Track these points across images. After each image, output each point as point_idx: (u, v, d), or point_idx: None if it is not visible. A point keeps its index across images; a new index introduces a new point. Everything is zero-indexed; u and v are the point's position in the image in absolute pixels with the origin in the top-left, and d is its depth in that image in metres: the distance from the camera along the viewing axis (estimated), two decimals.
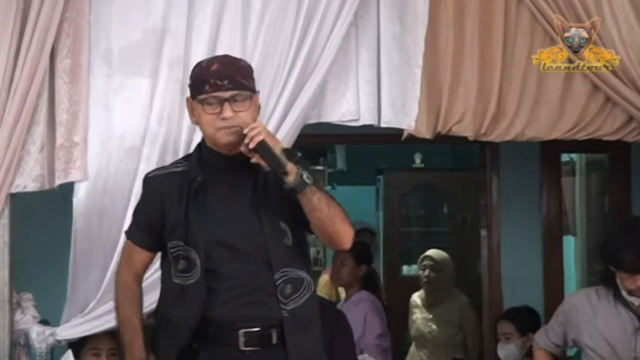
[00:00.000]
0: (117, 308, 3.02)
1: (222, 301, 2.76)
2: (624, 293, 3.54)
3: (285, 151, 2.78)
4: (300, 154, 2.81)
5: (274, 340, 2.75)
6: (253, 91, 2.84)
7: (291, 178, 2.70)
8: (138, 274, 2.99)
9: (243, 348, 2.75)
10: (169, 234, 2.84)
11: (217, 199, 2.80)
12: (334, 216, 2.73)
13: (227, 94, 2.77)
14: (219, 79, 2.77)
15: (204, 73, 2.82)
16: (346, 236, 2.79)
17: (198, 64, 2.91)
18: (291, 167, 2.71)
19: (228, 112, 2.76)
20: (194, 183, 2.81)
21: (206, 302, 2.76)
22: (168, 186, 2.87)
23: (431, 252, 5.83)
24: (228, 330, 2.75)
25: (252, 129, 2.72)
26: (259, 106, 2.92)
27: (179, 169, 2.90)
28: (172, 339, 2.82)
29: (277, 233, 2.78)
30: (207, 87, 2.78)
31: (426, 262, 5.74)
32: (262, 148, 2.71)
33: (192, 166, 2.87)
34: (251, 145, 2.71)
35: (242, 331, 2.74)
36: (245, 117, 2.78)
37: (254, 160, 2.73)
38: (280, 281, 2.76)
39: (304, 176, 2.70)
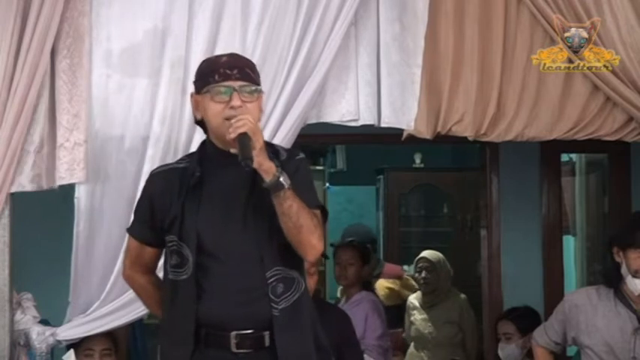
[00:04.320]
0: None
1: (212, 300, 2.74)
2: (629, 280, 3.52)
3: (270, 151, 2.78)
4: (278, 164, 2.76)
5: (267, 343, 2.73)
6: (260, 87, 2.82)
7: (267, 177, 2.69)
8: (144, 268, 2.98)
9: (235, 350, 2.72)
10: (168, 229, 2.83)
11: (213, 196, 2.79)
12: (301, 227, 2.70)
13: (236, 84, 2.75)
14: (229, 69, 2.76)
15: (213, 64, 2.82)
16: (309, 250, 2.75)
17: (205, 60, 2.91)
18: (269, 166, 2.69)
19: (237, 100, 2.74)
20: (192, 178, 2.81)
21: (196, 300, 2.75)
22: (169, 181, 2.86)
23: (425, 253, 5.83)
24: (219, 331, 2.73)
25: (239, 120, 2.70)
26: (262, 108, 2.89)
27: (181, 166, 2.90)
28: (179, 347, 2.79)
29: (271, 231, 2.76)
30: (216, 76, 2.76)
31: (421, 264, 5.73)
32: (240, 140, 2.69)
33: (193, 163, 2.86)
34: (232, 135, 2.69)
35: (234, 333, 2.72)
36: (252, 109, 2.76)
37: (233, 150, 2.71)
38: (272, 280, 2.74)
39: (281, 179, 2.69)
